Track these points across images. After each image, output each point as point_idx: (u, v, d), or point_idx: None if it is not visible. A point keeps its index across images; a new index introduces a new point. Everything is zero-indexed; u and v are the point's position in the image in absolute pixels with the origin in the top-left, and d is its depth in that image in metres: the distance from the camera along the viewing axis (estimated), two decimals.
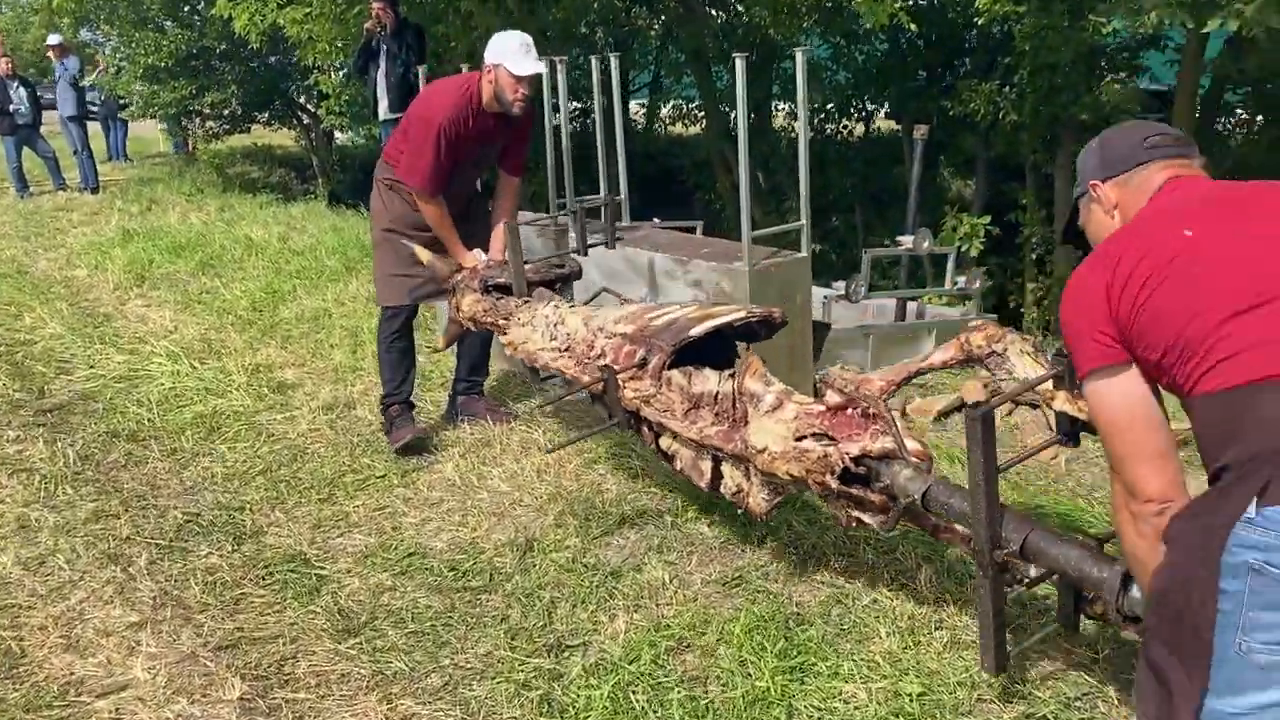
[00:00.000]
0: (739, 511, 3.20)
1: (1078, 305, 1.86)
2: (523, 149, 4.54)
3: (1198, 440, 1.71)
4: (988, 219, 6.83)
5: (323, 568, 3.58)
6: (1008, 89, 7.96)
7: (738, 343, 3.53)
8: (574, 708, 2.72)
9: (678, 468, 3.30)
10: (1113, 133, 2.09)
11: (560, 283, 4.34)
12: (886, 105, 12.07)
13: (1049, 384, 2.59)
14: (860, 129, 13.00)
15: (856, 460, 2.69)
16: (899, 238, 5.38)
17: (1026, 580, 2.45)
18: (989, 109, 7.87)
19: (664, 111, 16.57)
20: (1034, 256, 9.14)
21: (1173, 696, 1.65)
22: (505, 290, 4.22)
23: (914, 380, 5.14)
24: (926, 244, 5.35)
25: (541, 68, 4.20)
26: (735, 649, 2.88)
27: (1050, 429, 2.75)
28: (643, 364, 3.31)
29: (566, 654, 2.98)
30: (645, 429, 3.40)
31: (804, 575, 3.29)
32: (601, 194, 5.48)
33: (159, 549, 3.71)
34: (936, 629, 2.93)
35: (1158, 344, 1.73)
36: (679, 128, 17.19)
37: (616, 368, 3.36)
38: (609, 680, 2.80)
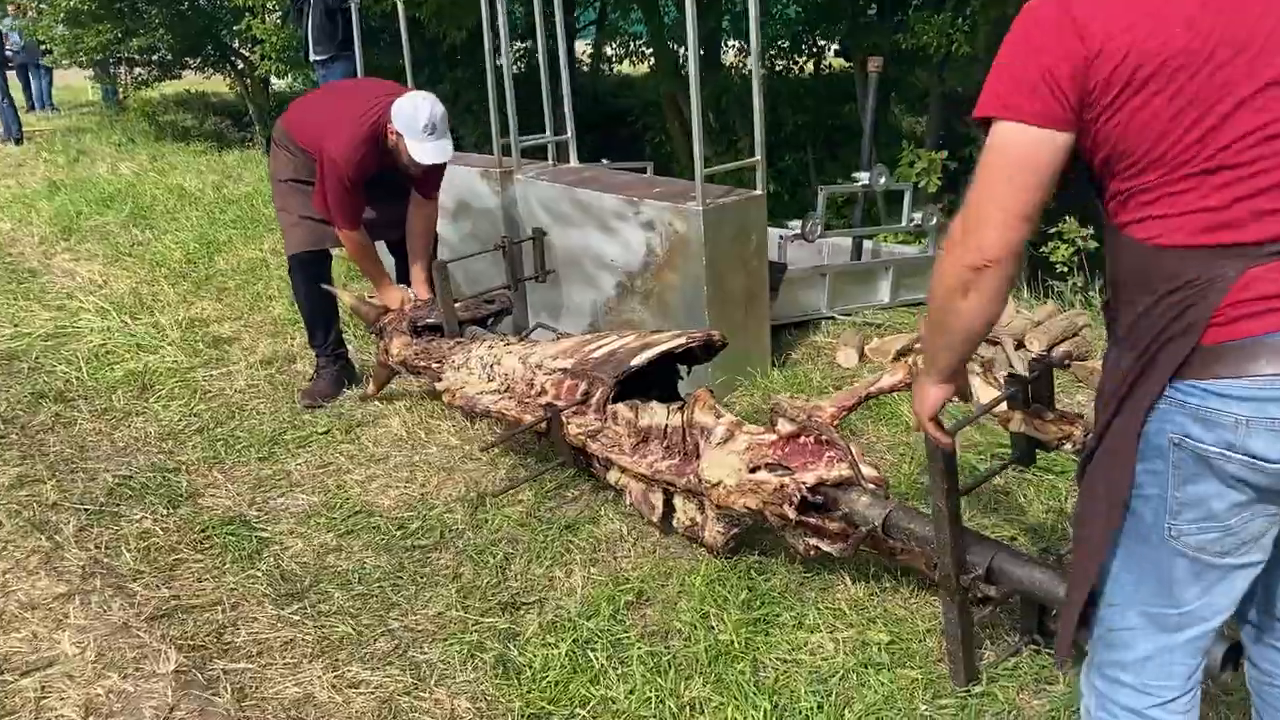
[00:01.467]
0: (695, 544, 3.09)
1: (1032, 42, 1.51)
2: (437, 177, 4.29)
3: (1114, 268, 1.57)
4: (945, 154, 6.75)
5: (264, 529, 3.42)
6: (960, 21, 7.81)
7: (679, 365, 3.47)
8: (530, 668, 2.61)
9: (628, 502, 3.21)
10: None
11: (492, 319, 4.20)
12: (838, 42, 11.87)
13: (1003, 405, 2.49)
14: (811, 66, 12.78)
15: (813, 489, 2.60)
16: (855, 174, 5.25)
17: (991, 600, 2.39)
18: (942, 41, 7.73)
19: (611, 51, 16.21)
20: None
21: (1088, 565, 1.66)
22: (436, 330, 4.09)
23: (871, 324, 5.08)
24: (883, 180, 5.22)
25: (443, 157, 3.99)
26: (696, 602, 2.79)
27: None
28: (585, 398, 3.21)
29: (522, 612, 2.87)
30: (594, 464, 3.30)
31: (763, 524, 3.19)
32: (548, 133, 5.29)
33: (88, 515, 3.53)
34: (902, 574, 2.85)
35: (1122, 151, 1.48)
36: (626, 67, 16.86)
37: (559, 404, 3.24)
38: (566, 638, 2.69)
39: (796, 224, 4.93)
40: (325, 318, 4.45)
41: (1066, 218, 6.05)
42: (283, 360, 4.94)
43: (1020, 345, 4.49)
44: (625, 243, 4.38)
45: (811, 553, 2.76)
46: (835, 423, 2.76)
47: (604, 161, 5.86)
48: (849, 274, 5.22)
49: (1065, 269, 6.15)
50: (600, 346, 3.34)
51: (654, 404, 3.12)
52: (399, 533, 3.33)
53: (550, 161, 5.30)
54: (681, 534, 3.07)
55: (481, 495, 3.50)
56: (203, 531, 3.41)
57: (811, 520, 2.65)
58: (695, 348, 3.29)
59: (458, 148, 4.64)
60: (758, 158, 4.21)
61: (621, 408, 3.16)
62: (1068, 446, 2.31)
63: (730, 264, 4.14)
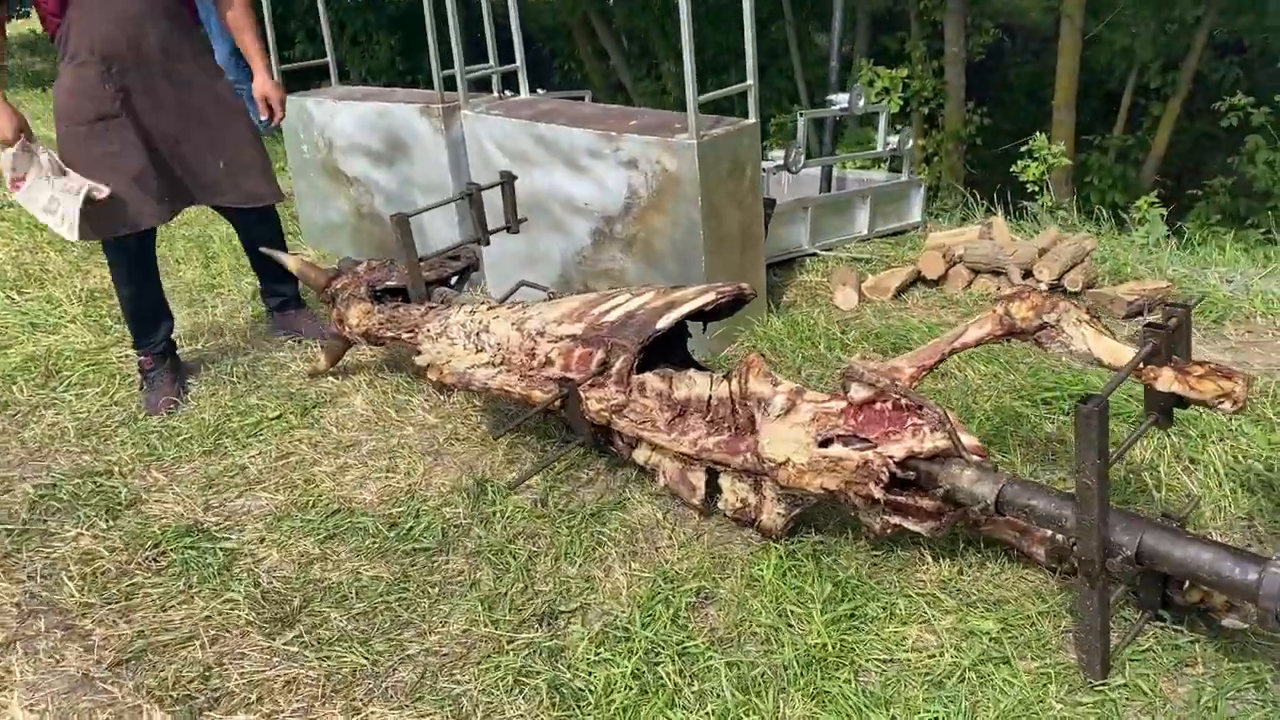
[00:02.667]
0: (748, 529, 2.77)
1: None
2: None
3: None
4: (905, 71, 6.46)
5: (228, 539, 2.98)
6: None
7: (690, 322, 3.11)
8: (592, 692, 2.27)
9: (661, 483, 2.86)
10: None
11: (457, 277, 3.79)
12: None
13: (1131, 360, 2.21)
14: None
15: (903, 464, 2.30)
16: (831, 97, 4.91)
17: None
18: None
19: None
20: (924, 111, 8.86)
21: None
22: (397, 294, 3.67)
23: (860, 260, 4.80)
24: (862, 102, 4.91)
25: None
26: (771, 598, 2.47)
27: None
28: (603, 368, 2.84)
29: (563, 622, 2.52)
30: (616, 441, 2.95)
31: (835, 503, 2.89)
32: (491, 62, 4.82)
33: (12, 536, 3.03)
34: (986, 545, 2.58)
35: None
36: None
37: (574, 377, 2.86)
38: (624, 651, 2.35)
39: (778, 155, 4.59)
40: (149, 310, 3.78)
41: (1037, 134, 5.87)
42: (207, 333, 4.41)
43: (1028, 274, 4.26)
44: (600, 183, 3.97)
45: (889, 531, 2.47)
46: (914, 384, 2.46)
47: (540, 91, 5.41)
48: (828, 206, 4.91)
49: (1036, 188, 5.98)
50: (613, 308, 2.97)
51: (692, 372, 2.77)
52: (392, 534, 2.93)
53: (495, 94, 4.82)
54: (729, 517, 2.74)
55: (481, 483, 3.10)
56: (155, 547, 2.95)
57: (901, 499, 2.36)
58: (723, 304, 2.94)
59: (343, 82, 4.12)
60: (750, 82, 3.84)
61: (651, 378, 2.80)
62: (1227, 406, 2.04)
63: (726, 202, 3.78)
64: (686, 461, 2.75)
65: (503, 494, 3.02)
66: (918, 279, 4.44)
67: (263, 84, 3.70)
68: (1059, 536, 2.27)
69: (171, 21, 3.43)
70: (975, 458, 2.32)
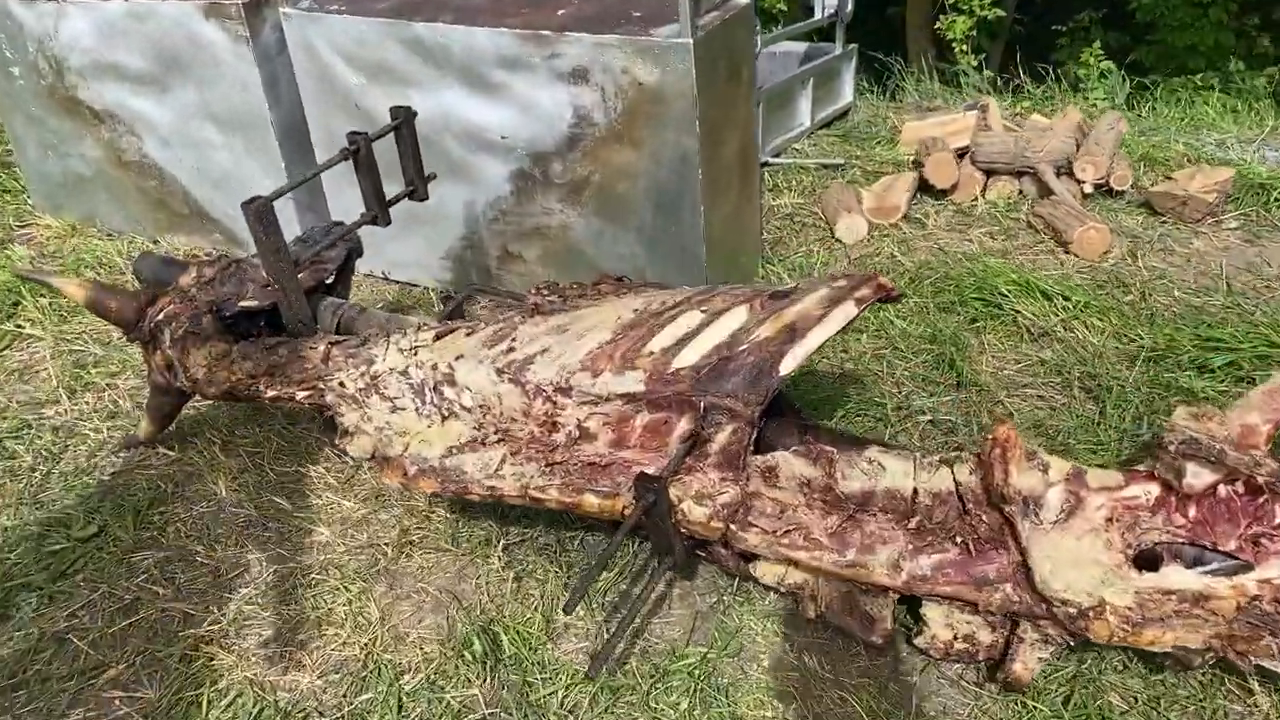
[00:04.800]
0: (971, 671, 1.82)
1: None
2: None
3: None
4: None
5: None
6: None
7: None
8: None
9: (810, 614, 1.85)
10: None
11: (334, 277, 2.54)
12: None
13: None
14: None
15: None
16: None
17: None
18: None
19: None
20: None
21: None
22: (258, 319, 2.42)
23: (830, 168, 3.85)
24: None
25: None
26: None
27: None
28: (693, 445, 1.77)
29: None
30: (720, 549, 1.92)
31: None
32: None
33: None
34: None
35: None
36: None
37: (642, 462, 1.80)
38: None
39: None
40: None
41: None
42: None
43: (1063, 172, 3.46)
44: (526, 106, 2.82)
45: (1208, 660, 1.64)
46: (1269, 445, 1.58)
47: None
48: (774, 98, 3.93)
49: (963, 48, 5.19)
50: (682, 341, 1.89)
51: (873, 452, 1.77)
52: None
53: None
54: (934, 657, 1.82)
55: (489, 629, 2.02)
56: None
57: None
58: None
59: None
60: None
61: (788, 460, 1.78)
62: None
63: (725, 122, 2.74)
64: (863, 588, 1.78)
65: (529, 645, 1.96)
66: (924, 186, 3.56)
67: None
68: None
69: None
70: None
